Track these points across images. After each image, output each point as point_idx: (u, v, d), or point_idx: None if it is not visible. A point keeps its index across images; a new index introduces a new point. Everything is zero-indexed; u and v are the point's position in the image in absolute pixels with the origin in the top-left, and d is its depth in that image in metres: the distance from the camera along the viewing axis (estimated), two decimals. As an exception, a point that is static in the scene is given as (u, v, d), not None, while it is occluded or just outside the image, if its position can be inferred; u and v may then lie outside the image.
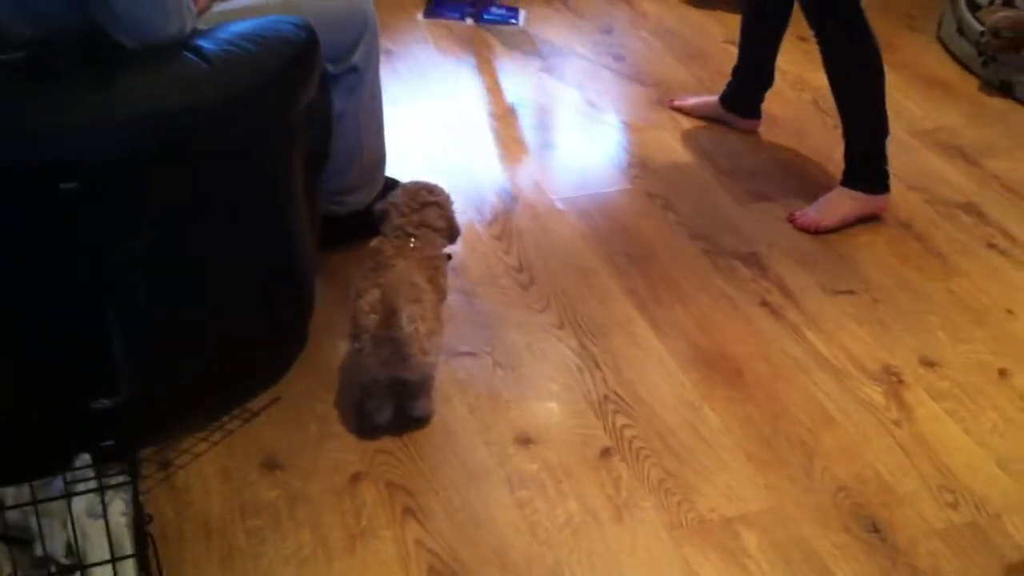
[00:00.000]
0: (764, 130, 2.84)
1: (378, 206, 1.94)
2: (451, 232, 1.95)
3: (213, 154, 1.59)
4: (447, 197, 1.96)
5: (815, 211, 2.47)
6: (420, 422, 1.85)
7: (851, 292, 2.25)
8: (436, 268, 1.87)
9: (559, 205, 2.52)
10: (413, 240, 1.86)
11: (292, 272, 1.86)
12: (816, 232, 2.44)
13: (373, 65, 2.13)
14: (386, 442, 1.82)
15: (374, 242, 1.87)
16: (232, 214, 1.67)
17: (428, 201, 1.91)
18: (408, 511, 1.69)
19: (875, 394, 1.98)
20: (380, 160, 2.28)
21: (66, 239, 1.46)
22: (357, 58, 2.06)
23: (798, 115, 2.94)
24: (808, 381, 2.00)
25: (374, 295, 1.72)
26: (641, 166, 2.68)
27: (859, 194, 2.46)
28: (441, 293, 1.88)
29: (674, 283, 2.27)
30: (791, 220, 2.48)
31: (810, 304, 2.21)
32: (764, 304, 2.21)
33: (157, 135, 1.51)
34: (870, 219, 2.48)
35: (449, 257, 1.92)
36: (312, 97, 1.77)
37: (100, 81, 1.47)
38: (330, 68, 1.95)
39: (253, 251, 1.75)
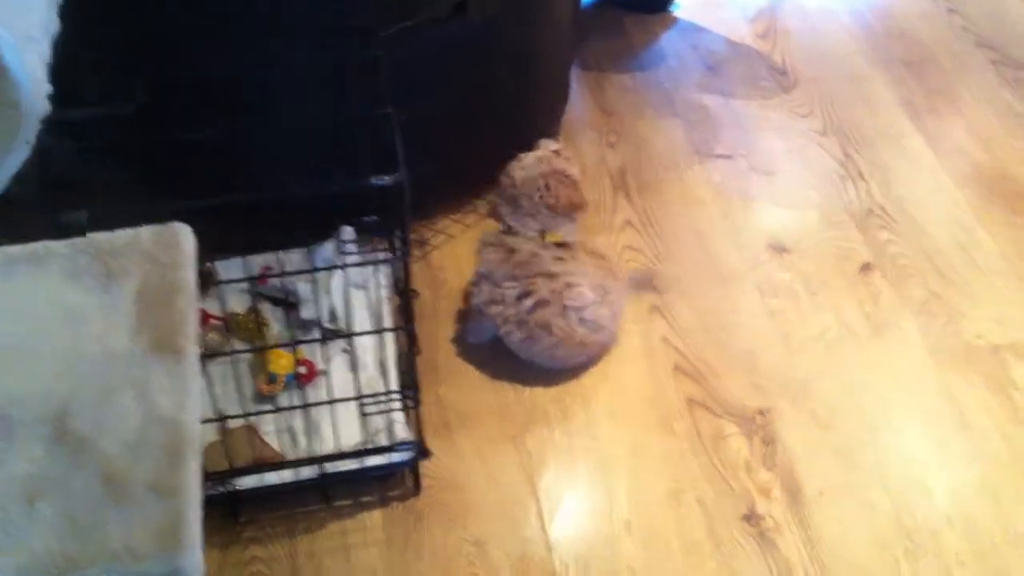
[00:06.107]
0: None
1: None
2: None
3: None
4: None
5: None
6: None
7: None
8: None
9: (830, 4, 2.33)
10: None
11: (547, 66, 1.80)
12: None
13: None
14: (634, 238, 1.79)
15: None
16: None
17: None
18: (655, 308, 1.67)
19: None
20: None
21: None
22: None
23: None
24: (1103, 208, 1.81)
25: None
26: (926, -36, 2.43)
27: None
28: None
29: (954, 94, 2.07)
30: None
31: (1114, 124, 1.98)
32: (1058, 121, 1.99)
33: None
34: None
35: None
36: None
37: None
38: None
39: (515, 44, 1.70)
